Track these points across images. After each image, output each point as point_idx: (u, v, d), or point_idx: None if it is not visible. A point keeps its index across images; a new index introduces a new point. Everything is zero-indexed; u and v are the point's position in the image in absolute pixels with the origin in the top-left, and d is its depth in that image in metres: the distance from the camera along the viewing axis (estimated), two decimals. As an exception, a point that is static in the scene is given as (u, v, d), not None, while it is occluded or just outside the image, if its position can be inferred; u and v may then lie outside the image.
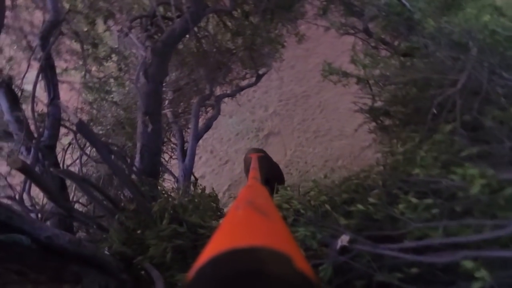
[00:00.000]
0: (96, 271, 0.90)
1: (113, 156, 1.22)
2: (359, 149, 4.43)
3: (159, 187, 1.32)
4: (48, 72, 1.31)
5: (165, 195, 1.12)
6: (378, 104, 2.11)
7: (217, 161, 4.88)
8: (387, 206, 1.09)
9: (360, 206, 1.11)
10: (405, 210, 1.00)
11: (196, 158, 4.56)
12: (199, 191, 1.82)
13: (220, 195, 4.52)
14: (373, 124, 2.07)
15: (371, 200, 1.11)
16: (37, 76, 1.27)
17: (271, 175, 3.65)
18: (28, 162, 1.13)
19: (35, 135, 1.22)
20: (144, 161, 1.53)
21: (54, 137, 1.30)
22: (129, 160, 1.90)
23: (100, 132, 2.48)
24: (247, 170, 3.90)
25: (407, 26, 2.83)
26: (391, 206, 1.10)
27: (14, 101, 1.24)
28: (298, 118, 5.01)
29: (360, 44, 3.06)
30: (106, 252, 1.03)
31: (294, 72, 5.44)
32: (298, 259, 0.25)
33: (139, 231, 1.10)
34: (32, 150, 1.17)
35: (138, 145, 1.56)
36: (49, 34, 1.33)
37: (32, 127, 1.25)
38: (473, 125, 1.37)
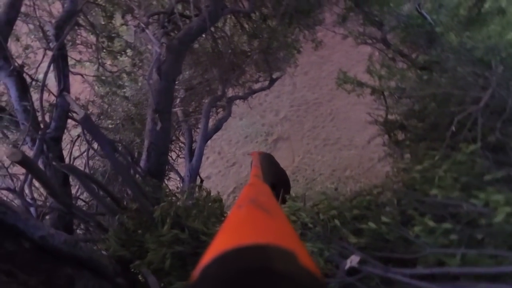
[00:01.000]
0: (91, 274, 0.85)
1: (118, 154, 1.16)
2: (368, 160, 4.34)
3: (164, 189, 1.26)
4: (60, 63, 1.28)
5: (169, 198, 1.07)
6: (393, 117, 2.04)
7: (224, 162, 4.84)
8: (401, 226, 1.02)
9: (371, 224, 1.05)
10: (421, 233, 0.93)
11: (204, 158, 4.53)
12: (204, 193, 1.78)
13: (224, 197, 4.47)
14: (386, 136, 2.00)
15: (384, 219, 1.04)
16: (49, 66, 1.24)
17: (278, 180, 3.58)
18: (32, 153, 1.10)
19: (42, 126, 1.18)
20: (150, 159, 1.49)
21: (61, 129, 1.26)
22: (135, 157, 1.85)
23: (110, 126, 2.46)
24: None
25: (427, 39, 2.76)
26: (405, 227, 1.03)
27: (24, 90, 1.20)
28: (308, 125, 4.95)
29: (377, 55, 2.99)
30: (104, 253, 0.98)
31: (308, 79, 5.38)
32: (303, 255, 0.25)
33: (139, 231, 1.05)
34: (37, 141, 1.12)
35: (146, 142, 1.51)
36: (64, 24, 1.30)
37: (42, 118, 1.21)
38: (494, 145, 1.29)
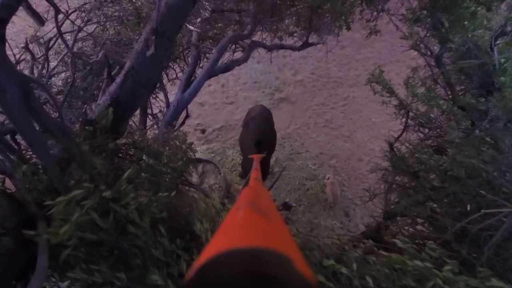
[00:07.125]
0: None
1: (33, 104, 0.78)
2: (357, 160, 4.11)
3: (102, 166, 0.91)
4: None
5: (92, 186, 0.75)
6: (404, 152, 1.73)
7: (223, 97, 4.47)
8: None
9: None
10: None
11: (204, 84, 4.18)
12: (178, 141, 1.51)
13: (209, 130, 4.21)
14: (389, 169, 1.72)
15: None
16: None
17: (264, 139, 3.35)
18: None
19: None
20: (124, 86, 1.16)
21: (10, 10, 0.89)
22: (114, 71, 1.51)
23: (114, 14, 2.05)
24: (244, 122, 3.57)
25: (482, 80, 2.36)
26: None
27: None
28: (319, 99, 4.56)
29: (422, 66, 2.58)
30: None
31: (341, 54, 4.84)
32: (298, 260, 0.24)
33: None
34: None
35: (127, 64, 1.17)
36: None
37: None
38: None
